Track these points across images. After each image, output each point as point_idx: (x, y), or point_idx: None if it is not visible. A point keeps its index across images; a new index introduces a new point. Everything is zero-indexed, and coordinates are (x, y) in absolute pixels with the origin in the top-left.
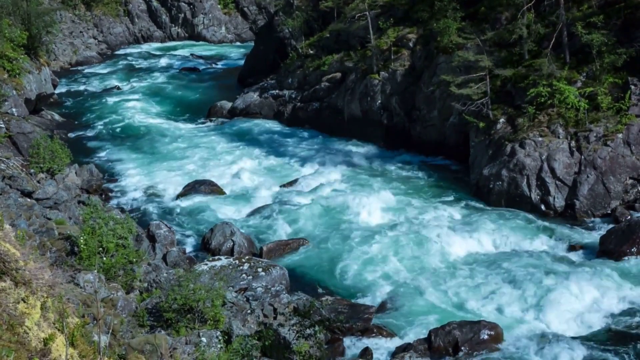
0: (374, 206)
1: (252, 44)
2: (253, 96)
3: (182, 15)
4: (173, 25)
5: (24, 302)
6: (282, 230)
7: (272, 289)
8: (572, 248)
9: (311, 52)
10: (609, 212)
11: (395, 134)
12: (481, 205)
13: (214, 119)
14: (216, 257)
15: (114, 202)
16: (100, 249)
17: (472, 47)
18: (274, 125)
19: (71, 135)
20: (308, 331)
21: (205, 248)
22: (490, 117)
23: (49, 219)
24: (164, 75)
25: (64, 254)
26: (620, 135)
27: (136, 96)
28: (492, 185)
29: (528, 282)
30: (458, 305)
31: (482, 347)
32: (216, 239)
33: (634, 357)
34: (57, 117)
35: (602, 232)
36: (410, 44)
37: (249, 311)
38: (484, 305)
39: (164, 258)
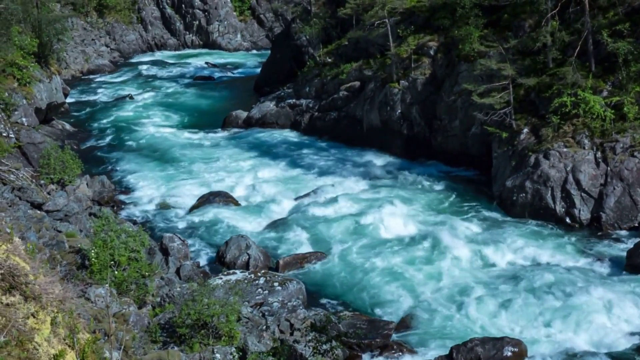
0: (393, 218)
1: (269, 51)
2: (269, 105)
3: (197, 22)
4: (187, 32)
5: (34, 317)
6: (299, 243)
7: (289, 303)
8: (598, 262)
9: (329, 60)
10: (637, 224)
11: (415, 144)
12: (504, 218)
13: (229, 129)
14: (231, 271)
15: (126, 214)
16: (112, 262)
17: (495, 55)
18: (290, 135)
19: (82, 145)
20: (325, 347)
21: (220, 261)
22: (513, 127)
23: (60, 231)
24: (178, 84)
25: (75, 268)
26: None
27: (149, 105)
28: (516, 197)
29: (553, 297)
30: (480, 321)
31: None
32: (231, 252)
33: None
34: (68, 126)
35: (630, 245)
36: (431, 52)
37: (264, 327)
38: (507, 321)
39: (178, 272)
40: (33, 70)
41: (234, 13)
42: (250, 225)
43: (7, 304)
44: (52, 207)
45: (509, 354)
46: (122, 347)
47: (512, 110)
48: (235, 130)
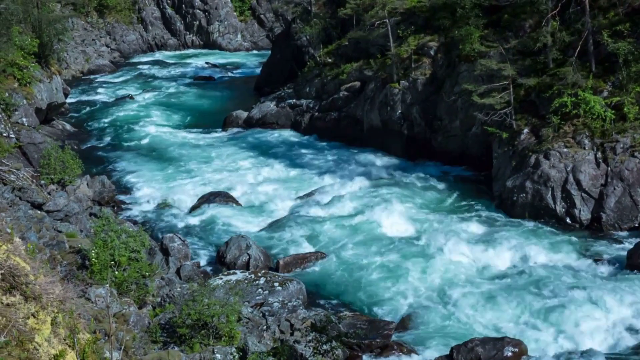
0: (393, 218)
1: (269, 52)
2: (270, 105)
3: (197, 22)
4: (188, 32)
5: (34, 317)
6: (299, 244)
7: (289, 304)
8: (598, 262)
9: (329, 60)
10: (637, 225)
11: (415, 145)
12: (504, 218)
13: (229, 129)
14: (231, 271)
15: (126, 214)
16: (112, 262)
17: (495, 56)
18: (291, 136)
19: (83, 145)
20: (325, 347)
21: (220, 262)
22: (513, 128)
23: (60, 231)
24: (178, 84)
25: (75, 268)
26: None
27: (149, 105)
28: (516, 197)
29: (553, 297)
30: (481, 321)
31: None
32: (231, 253)
33: None
34: (68, 127)
35: (630, 245)
36: (432, 52)
37: (265, 327)
38: (507, 321)
39: (178, 272)
40: (33, 70)
41: (234, 13)
42: (250, 225)
43: (8, 304)
44: (52, 207)
45: (509, 354)
46: (123, 347)
47: (513, 110)
48: (236, 130)
